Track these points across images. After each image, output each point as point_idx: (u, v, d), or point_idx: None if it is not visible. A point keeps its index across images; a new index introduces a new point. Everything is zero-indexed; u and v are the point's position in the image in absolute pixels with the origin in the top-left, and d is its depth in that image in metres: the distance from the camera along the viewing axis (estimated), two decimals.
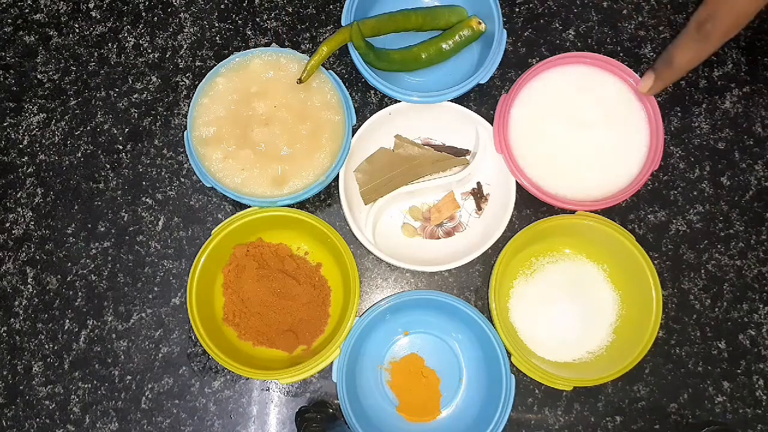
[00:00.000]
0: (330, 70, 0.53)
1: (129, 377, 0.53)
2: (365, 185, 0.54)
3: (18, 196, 0.57)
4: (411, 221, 0.56)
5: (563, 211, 0.52)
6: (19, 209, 0.57)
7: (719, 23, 0.41)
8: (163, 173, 0.57)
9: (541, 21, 0.59)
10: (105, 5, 0.61)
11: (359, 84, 0.58)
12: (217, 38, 0.60)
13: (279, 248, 0.54)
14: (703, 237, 0.55)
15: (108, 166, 0.57)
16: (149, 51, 0.60)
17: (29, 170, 0.57)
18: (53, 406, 0.53)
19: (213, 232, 0.50)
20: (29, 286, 0.55)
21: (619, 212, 0.55)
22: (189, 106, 0.51)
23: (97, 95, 0.59)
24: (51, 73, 0.60)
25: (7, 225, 0.56)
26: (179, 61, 0.59)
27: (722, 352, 0.53)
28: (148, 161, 0.57)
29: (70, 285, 0.55)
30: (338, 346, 0.49)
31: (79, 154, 0.58)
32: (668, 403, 0.52)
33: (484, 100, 0.57)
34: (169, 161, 0.57)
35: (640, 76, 0.52)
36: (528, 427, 0.52)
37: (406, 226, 0.55)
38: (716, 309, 0.54)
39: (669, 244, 0.55)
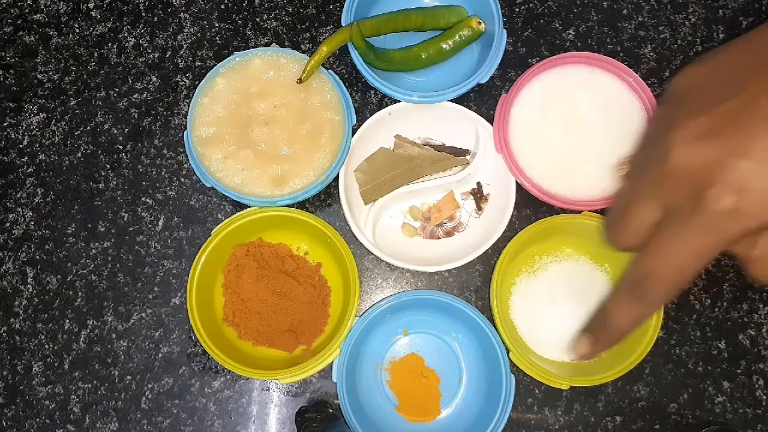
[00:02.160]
0: (330, 70, 0.53)
1: (129, 377, 0.53)
2: (365, 185, 0.54)
3: (18, 196, 0.57)
4: (411, 221, 0.56)
5: (563, 211, 0.52)
6: (19, 209, 0.57)
7: (658, 283, 0.29)
8: (163, 173, 0.57)
9: (541, 21, 0.59)
10: (105, 5, 0.61)
11: (359, 84, 0.58)
12: (217, 38, 0.60)
13: (279, 248, 0.54)
14: None
15: (108, 166, 0.57)
16: (149, 51, 0.60)
17: (29, 170, 0.57)
18: (53, 406, 0.53)
19: (213, 232, 0.50)
20: (29, 286, 0.55)
21: None
22: (189, 106, 0.51)
23: (97, 95, 0.59)
24: (51, 73, 0.60)
25: (7, 225, 0.56)
26: (179, 61, 0.59)
27: (722, 352, 0.53)
28: (148, 161, 0.57)
29: (70, 285, 0.55)
30: (338, 346, 0.49)
31: (79, 154, 0.58)
32: (668, 403, 0.52)
33: (484, 100, 0.57)
34: (169, 161, 0.57)
35: (641, 76, 0.52)
36: (528, 427, 0.52)
37: (406, 226, 0.55)
38: (716, 309, 0.54)
39: None
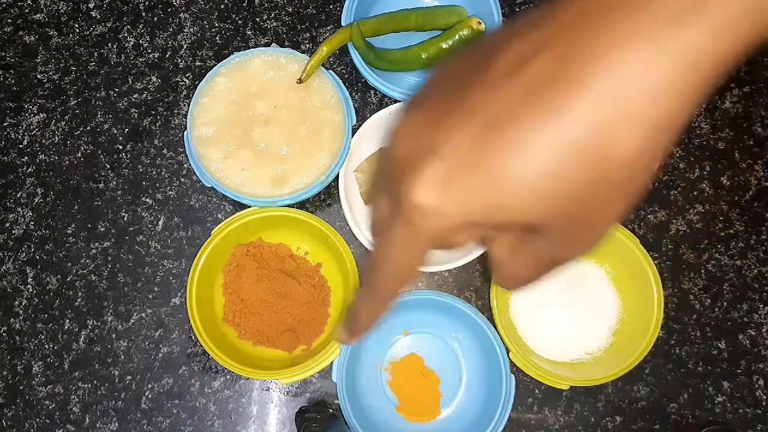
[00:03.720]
0: (330, 70, 0.53)
1: (129, 377, 0.53)
2: (365, 185, 0.54)
3: (18, 196, 0.57)
4: None
5: None
6: (19, 209, 0.57)
7: (381, 278, 0.28)
8: (163, 173, 0.57)
9: None
10: (105, 5, 0.61)
11: (359, 84, 0.58)
12: (217, 38, 0.60)
13: (279, 248, 0.54)
14: (703, 237, 0.55)
15: (108, 166, 0.57)
16: (149, 51, 0.60)
17: (29, 170, 0.57)
18: (53, 406, 0.53)
19: (213, 232, 0.50)
20: (29, 286, 0.55)
21: None
22: (189, 106, 0.51)
23: (97, 95, 0.59)
24: (51, 73, 0.60)
25: (7, 225, 0.56)
26: (179, 61, 0.59)
27: (722, 352, 0.53)
28: (148, 161, 0.57)
29: (70, 285, 0.55)
30: (338, 346, 0.49)
31: (79, 154, 0.58)
32: (668, 403, 0.52)
33: None
34: (169, 161, 0.57)
35: None
36: (528, 427, 0.52)
37: None
38: (716, 309, 0.54)
39: (669, 244, 0.55)
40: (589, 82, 0.19)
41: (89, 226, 0.56)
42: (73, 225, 0.56)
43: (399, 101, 0.53)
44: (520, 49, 0.20)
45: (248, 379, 0.53)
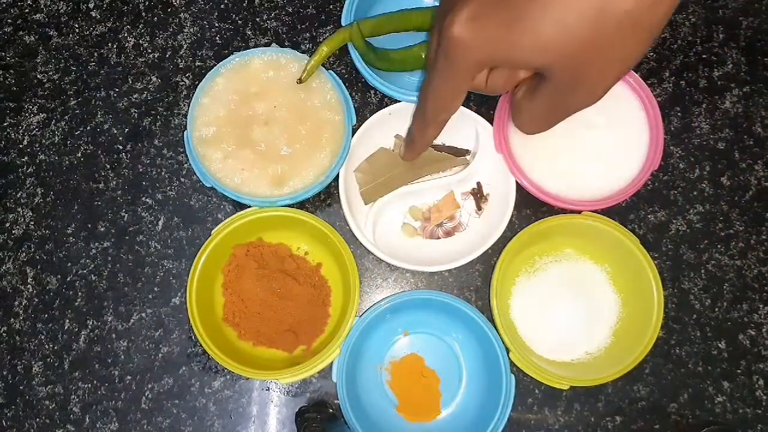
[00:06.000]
0: (330, 70, 0.53)
1: (129, 377, 0.53)
2: (365, 185, 0.54)
3: (18, 196, 0.57)
4: (411, 221, 0.56)
5: (563, 211, 0.52)
6: (19, 209, 0.57)
7: (427, 106, 0.38)
8: (163, 173, 0.57)
9: None
10: (105, 5, 0.61)
11: (359, 84, 0.58)
12: (217, 38, 0.60)
13: (279, 248, 0.54)
14: (703, 237, 0.55)
15: (108, 166, 0.57)
16: (149, 51, 0.60)
17: (29, 170, 0.57)
18: (53, 406, 0.53)
19: (213, 232, 0.50)
20: (29, 286, 0.55)
21: (619, 212, 0.55)
22: (189, 106, 0.51)
23: (97, 95, 0.59)
24: (51, 73, 0.60)
25: (7, 225, 0.56)
26: (179, 61, 0.59)
27: (722, 352, 0.53)
28: (148, 161, 0.57)
29: (70, 285, 0.55)
30: (338, 346, 0.49)
31: (79, 154, 0.58)
32: (668, 403, 0.52)
33: (484, 100, 0.57)
34: (169, 161, 0.57)
35: (641, 76, 0.52)
36: (528, 427, 0.52)
37: (406, 226, 0.55)
38: (716, 309, 0.54)
39: (669, 244, 0.55)
40: None
41: (89, 226, 0.56)
42: (73, 225, 0.56)
43: (399, 101, 0.53)
44: None
45: (248, 379, 0.53)
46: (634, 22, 0.26)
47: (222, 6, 0.61)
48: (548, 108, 0.35)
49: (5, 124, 0.58)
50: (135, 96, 0.59)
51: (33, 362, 0.54)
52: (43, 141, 0.58)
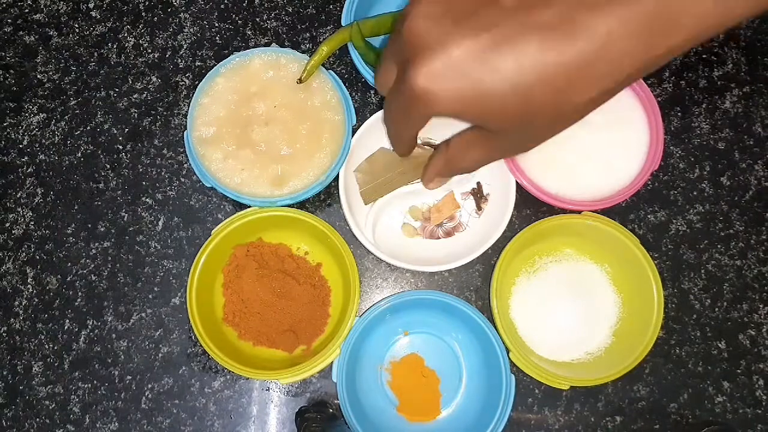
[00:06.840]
0: (330, 70, 0.53)
1: (129, 377, 0.53)
2: (365, 185, 0.54)
3: (18, 196, 0.57)
4: (411, 221, 0.56)
5: (563, 211, 0.52)
6: (19, 209, 0.57)
7: (389, 127, 0.35)
8: (163, 173, 0.57)
9: None
10: (105, 5, 0.61)
11: (359, 84, 0.58)
12: (217, 38, 0.60)
13: (279, 248, 0.54)
14: (703, 237, 0.55)
15: (108, 166, 0.57)
16: (149, 51, 0.60)
17: (29, 170, 0.57)
18: (53, 406, 0.53)
19: (213, 232, 0.50)
20: (29, 286, 0.55)
21: (619, 212, 0.55)
22: (189, 106, 0.51)
23: (97, 95, 0.59)
24: (51, 73, 0.60)
25: (7, 225, 0.56)
26: (179, 61, 0.59)
27: (722, 352, 0.53)
28: (148, 161, 0.57)
29: (70, 285, 0.55)
30: (338, 346, 0.49)
31: (79, 154, 0.58)
32: (668, 403, 0.52)
33: None
34: (169, 161, 0.57)
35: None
36: (528, 427, 0.52)
37: (406, 226, 0.55)
38: (716, 309, 0.54)
39: (669, 244, 0.55)
40: (575, 37, 0.24)
41: (89, 226, 0.56)
42: (73, 225, 0.56)
43: None
44: None
45: (248, 379, 0.53)
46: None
47: (222, 6, 0.61)
48: (483, 156, 0.34)
49: (5, 124, 0.58)
50: (135, 96, 0.59)
51: (33, 362, 0.54)
52: (43, 141, 0.58)
